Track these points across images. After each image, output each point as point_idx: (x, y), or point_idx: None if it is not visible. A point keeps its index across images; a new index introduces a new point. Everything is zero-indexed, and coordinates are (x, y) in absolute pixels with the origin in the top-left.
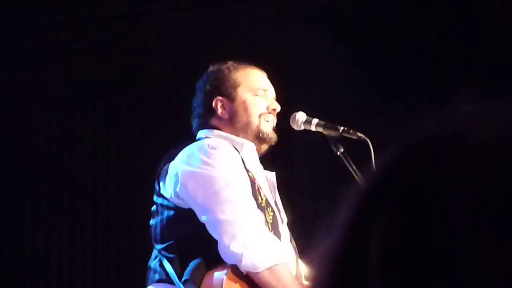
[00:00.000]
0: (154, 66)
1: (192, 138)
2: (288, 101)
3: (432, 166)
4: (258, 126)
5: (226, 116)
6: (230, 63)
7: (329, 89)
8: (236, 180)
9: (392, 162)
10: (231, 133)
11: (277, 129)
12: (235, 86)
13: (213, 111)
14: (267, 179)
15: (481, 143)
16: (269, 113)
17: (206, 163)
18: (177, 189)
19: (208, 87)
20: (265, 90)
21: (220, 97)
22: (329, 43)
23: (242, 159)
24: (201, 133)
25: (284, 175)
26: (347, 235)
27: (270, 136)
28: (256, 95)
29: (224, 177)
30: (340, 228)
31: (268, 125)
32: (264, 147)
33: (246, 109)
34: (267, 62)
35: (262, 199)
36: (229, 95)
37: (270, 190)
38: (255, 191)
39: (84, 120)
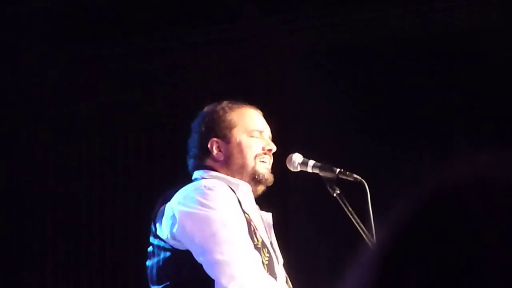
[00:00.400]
0: (149, 107)
1: (188, 178)
2: (284, 140)
3: (464, 211)
4: (253, 168)
5: (222, 158)
6: (225, 103)
7: (325, 129)
8: (233, 221)
9: (420, 209)
10: (227, 174)
11: (273, 169)
12: (230, 127)
13: (208, 152)
14: (263, 220)
15: (506, 187)
16: (265, 153)
17: (202, 204)
18: (174, 230)
19: (203, 129)
20: (260, 131)
21: (215, 139)
22: (326, 82)
23: (238, 200)
24: (197, 174)
25: (279, 215)
26: (378, 278)
27: (266, 177)
28: (251, 136)
29: (221, 217)
30: (369, 272)
31: (263, 166)
32: (260, 188)
33: (241, 151)
34: (263, 101)
35: (258, 240)
36: (224, 137)
37: (266, 230)
38: (251, 232)
39: (80, 158)
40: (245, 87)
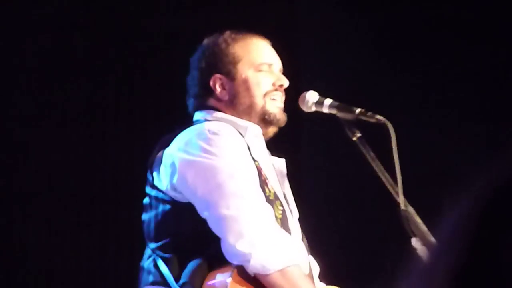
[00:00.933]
0: (142, 38)
1: (188, 120)
2: (296, 76)
3: None
4: (263, 107)
5: (226, 97)
6: (227, 33)
7: (345, 63)
8: (242, 170)
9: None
10: (233, 115)
11: (285, 108)
12: (234, 62)
13: (211, 91)
14: (275, 168)
15: None
16: (276, 90)
17: (207, 151)
18: (174, 181)
19: (203, 65)
20: (269, 65)
21: (218, 75)
22: (345, 7)
23: (247, 145)
24: (198, 115)
25: (291, 162)
26: (469, 247)
27: (277, 117)
28: (259, 71)
29: (228, 166)
30: (458, 241)
31: (274, 105)
32: (272, 130)
33: (248, 89)
34: (272, 29)
35: (270, 191)
36: (228, 73)
37: (279, 180)
38: (262, 182)
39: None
40: (251, 14)
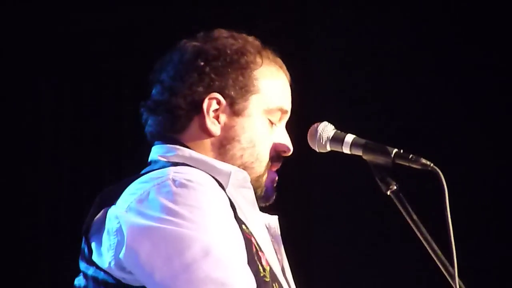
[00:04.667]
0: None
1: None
2: (305, 103)
3: None
4: (260, 178)
5: (217, 134)
6: (252, 44)
7: (365, 88)
8: (222, 243)
9: None
10: (207, 156)
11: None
12: (250, 90)
13: (196, 114)
14: (269, 229)
15: None
16: (278, 159)
17: (170, 213)
18: (121, 255)
19: (205, 69)
20: (284, 112)
21: (218, 96)
22: (366, 14)
23: (230, 201)
24: (158, 149)
25: (295, 222)
26: None
27: (270, 197)
28: (269, 116)
29: (203, 237)
30: None
31: (274, 179)
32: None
33: (251, 139)
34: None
35: (265, 269)
36: (234, 102)
37: (275, 248)
38: (254, 257)
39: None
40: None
